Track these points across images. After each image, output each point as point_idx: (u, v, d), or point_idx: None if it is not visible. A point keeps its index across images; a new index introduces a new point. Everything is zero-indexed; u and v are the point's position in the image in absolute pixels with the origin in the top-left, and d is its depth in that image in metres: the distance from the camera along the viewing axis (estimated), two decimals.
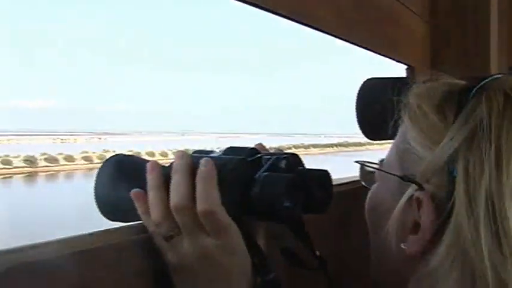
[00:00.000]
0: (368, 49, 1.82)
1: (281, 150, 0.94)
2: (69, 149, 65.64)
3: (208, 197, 0.78)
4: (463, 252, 0.74)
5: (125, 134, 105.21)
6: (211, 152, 0.91)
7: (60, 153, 58.44)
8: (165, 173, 0.82)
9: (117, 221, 0.90)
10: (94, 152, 62.64)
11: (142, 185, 0.82)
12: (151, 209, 0.81)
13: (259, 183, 0.82)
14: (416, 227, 0.79)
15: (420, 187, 0.79)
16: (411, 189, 0.80)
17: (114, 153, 0.95)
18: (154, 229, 0.81)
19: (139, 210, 0.82)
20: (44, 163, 55.55)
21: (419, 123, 0.82)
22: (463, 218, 0.73)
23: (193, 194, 0.79)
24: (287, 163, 0.87)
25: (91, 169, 57.44)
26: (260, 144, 0.95)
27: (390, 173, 0.86)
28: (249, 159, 0.86)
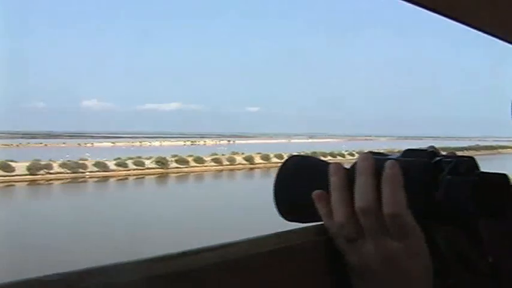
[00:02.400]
0: None
1: (454, 153, 0.93)
2: (199, 151, 67.09)
3: (395, 199, 0.77)
4: None
5: (253, 137, 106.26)
6: (386, 154, 0.90)
7: (190, 155, 59.75)
8: (349, 175, 0.82)
9: (295, 221, 0.89)
10: (223, 154, 63.69)
11: (324, 186, 0.82)
12: (334, 210, 0.80)
13: (444, 187, 0.81)
14: None
15: None
16: None
17: (294, 154, 0.95)
18: (336, 231, 0.81)
19: (321, 211, 0.82)
20: (174, 164, 56.97)
21: None
22: None
23: (379, 196, 0.78)
24: (467, 166, 0.85)
25: (220, 171, 58.39)
26: (433, 147, 0.92)
27: None
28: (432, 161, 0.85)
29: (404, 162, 0.82)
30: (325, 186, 0.81)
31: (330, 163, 0.84)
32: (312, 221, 0.84)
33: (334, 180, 0.81)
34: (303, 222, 0.86)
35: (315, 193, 0.82)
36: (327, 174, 0.82)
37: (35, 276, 0.53)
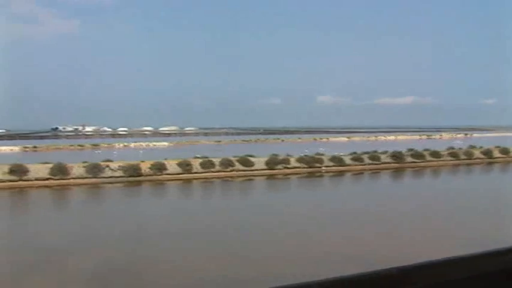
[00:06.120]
0: None
1: None
2: (434, 145, 65.68)
3: None
4: None
5: (490, 129, 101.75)
6: None
7: (427, 149, 58.68)
8: None
9: None
10: (460, 148, 61.74)
11: None
12: None
13: None
14: None
15: None
16: None
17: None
18: None
19: None
20: (410, 159, 56.34)
21: None
22: None
23: None
24: None
25: (457, 165, 56.75)
26: None
27: None
28: None
29: None
30: None
31: None
32: None
33: None
34: None
35: None
36: None
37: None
